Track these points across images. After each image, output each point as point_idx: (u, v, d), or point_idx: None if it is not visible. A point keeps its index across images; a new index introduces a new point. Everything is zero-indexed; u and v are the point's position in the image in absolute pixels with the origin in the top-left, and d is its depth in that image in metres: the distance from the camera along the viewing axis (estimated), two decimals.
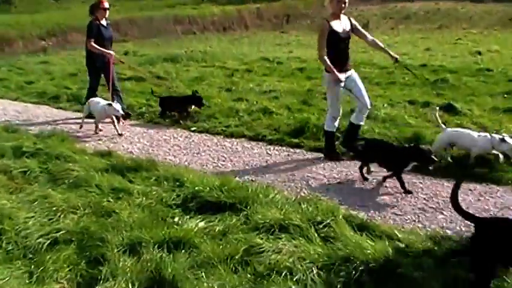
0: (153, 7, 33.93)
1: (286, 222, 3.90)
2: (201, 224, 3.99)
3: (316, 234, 3.77)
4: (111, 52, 8.15)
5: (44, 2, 51.20)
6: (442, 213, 4.38)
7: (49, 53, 19.79)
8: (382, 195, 4.86)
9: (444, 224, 4.17)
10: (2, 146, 6.32)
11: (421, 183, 5.13)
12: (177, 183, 4.90)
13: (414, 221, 4.27)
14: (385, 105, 8.14)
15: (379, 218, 4.34)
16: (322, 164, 5.83)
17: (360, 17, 27.04)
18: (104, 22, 8.22)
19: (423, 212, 4.45)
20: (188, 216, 4.15)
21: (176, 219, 4.10)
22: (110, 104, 7.14)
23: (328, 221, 3.93)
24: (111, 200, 4.55)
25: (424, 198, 4.74)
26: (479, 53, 14.66)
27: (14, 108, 9.67)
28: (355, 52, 16.32)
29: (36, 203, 4.49)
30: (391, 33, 22.31)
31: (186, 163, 6.02)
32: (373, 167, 5.30)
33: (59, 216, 4.23)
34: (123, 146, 6.82)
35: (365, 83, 10.26)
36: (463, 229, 4.01)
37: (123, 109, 7.39)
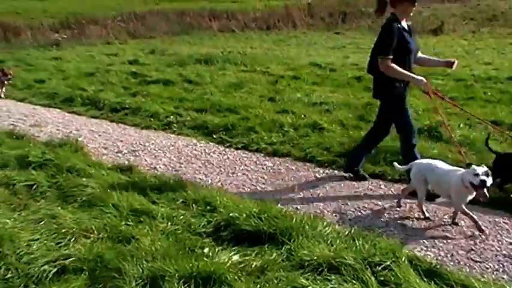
0: None
1: (337, 260, 3.89)
2: (236, 258, 4.02)
3: (373, 278, 3.75)
4: (422, 79, 5.81)
5: None
6: None
7: (62, 48, 20.37)
8: (455, 236, 4.78)
9: None
10: (5, 154, 6.56)
11: (506, 223, 5.02)
12: (208, 207, 4.97)
13: (497, 270, 4.18)
14: (462, 125, 8.03)
15: (452, 263, 4.27)
16: (382, 193, 5.79)
17: (433, 17, 26.82)
18: (404, 24, 5.90)
19: (509, 259, 4.35)
20: (220, 248, 4.19)
21: (206, 250, 4.13)
22: None
23: (388, 262, 3.90)
24: (131, 223, 4.64)
25: (510, 243, 4.63)
26: None
27: (20, 110, 10.05)
28: None
29: (42, 223, 4.62)
30: (471, 38, 21.95)
31: (219, 184, 6.09)
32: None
33: (69, 240, 4.34)
34: (146, 161, 6.96)
35: (436, 97, 10.28)
36: None
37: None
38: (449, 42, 20.75)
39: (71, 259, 3.99)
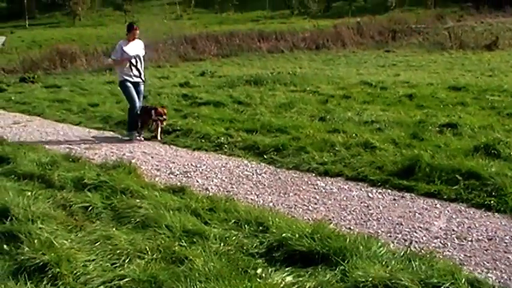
0: (235, 21, 35.15)
1: (393, 282, 3.83)
2: (289, 279, 4.00)
3: None
4: None
5: (111, 14, 54.78)
6: None
7: (115, 72, 20.91)
8: None
9: None
10: (61, 176, 6.73)
11: None
12: (261, 227, 4.97)
13: None
14: None
15: None
16: (438, 213, 5.67)
17: (487, 32, 26.32)
18: None
19: None
20: (273, 268, 4.18)
21: (259, 271, 4.14)
22: None
23: (447, 284, 3.81)
24: (184, 244, 4.68)
25: None
26: None
27: (76, 133, 10.32)
28: (479, 75, 15.92)
29: (98, 244, 4.71)
30: None
31: (271, 204, 6.08)
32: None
33: (124, 260, 4.41)
34: (198, 182, 7.03)
35: (493, 114, 10.09)
36: None
37: None
38: (505, 57, 20.32)
39: (126, 279, 4.05)
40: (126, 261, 4.38)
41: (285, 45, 27.23)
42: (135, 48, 9.74)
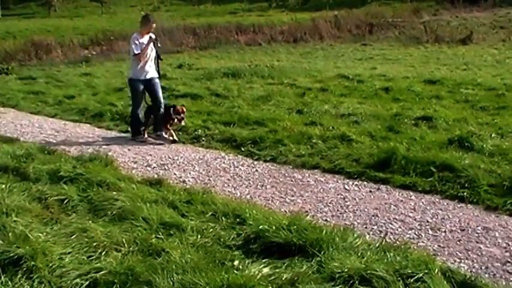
0: (213, 13, 35.00)
1: (369, 273, 3.86)
2: (266, 270, 4.01)
3: None
4: None
5: (87, 5, 54.16)
6: None
7: (92, 64, 20.75)
8: (490, 247, 4.70)
9: None
10: (37, 169, 6.65)
11: None
12: (238, 220, 4.98)
13: None
14: (493, 135, 7.93)
15: (487, 275, 4.19)
16: (413, 205, 5.74)
17: (461, 26, 26.59)
18: None
19: None
20: (250, 260, 4.19)
21: (236, 262, 4.14)
22: None
23: (421, 274, 3.84)
24: (161, 236, 4.67)
25: None
26: None
27: (52, 126, 10.22)
28: (454, 69, 16.10)
29: (73, 236, 4.67)
30: (502, 47, 21.74)
31: (249, 197, 6.09)
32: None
33: (100, 253, 4.38)
34: (175, 174, 7.02)
35: (467, 107, 10.23)
36: None
37: None
38: (479, 52, 20.56)
39: (102, 272, 4.02)
40: (103, 253, 4.36)
41: (263, 38, 27.20)
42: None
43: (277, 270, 4.03)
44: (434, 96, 11.39)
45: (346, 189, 6.32)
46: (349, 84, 13.49)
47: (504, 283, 4.05)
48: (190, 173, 7.06)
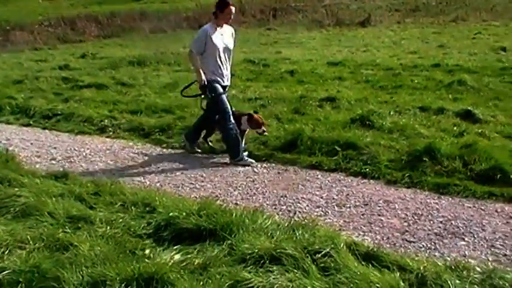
0: (115, 1, 34.04)
1: (278, 251, 3.92)
2: (177, 257, 3.99)
3: (313, 266, 3.79)
4: None
5: None
6: (464, 239, 4.45)
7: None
8: (390, 219, 4.92)
9: (466, 252, 4.23)
10: None
11: (436, 203, 5.21)
12: (148, 208, 4.92)
13: (430, 248, 4.33)
14: (392, 112, 8.26)
15: (388, 245, 4.39)
16: (319, 183, 5.89)
17: (360, 10, 27.40)
18: None
19: (440, 238, 4.51)
20: (161, 248, 4.15)
21: (147, 251, 4.09)
22: None
23: (328, 249, 3.95)
24: (68, 230, 4.51)
25: (441, 222, 4.81)
26: (504, 50, 14.83)
27: None
28: (354, 51, 16.60)
29: None
30: (397, 28, 22.60)
31: (158, 185, 6.05)
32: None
33: (3, 252, 4.16)
34: (81, 166, 6.83)
35: (367, 87, 10.59)
36: (490, 258, 4.08)
37: None
38: (377, 34, 21.28)
39: (5, 272, 3.85)
40: (6, 253, 4.15)
41: (168, 25, 26.83)
42: (226, 37, 6.91)
43: (188, 256, 4.01)
44: (337, 78, 11.71)
45: (255, 172, 6.40)
46: (255, 68, 13.59)
47: (403, 251, 4.26)
48: (97, 165, 6.89)
